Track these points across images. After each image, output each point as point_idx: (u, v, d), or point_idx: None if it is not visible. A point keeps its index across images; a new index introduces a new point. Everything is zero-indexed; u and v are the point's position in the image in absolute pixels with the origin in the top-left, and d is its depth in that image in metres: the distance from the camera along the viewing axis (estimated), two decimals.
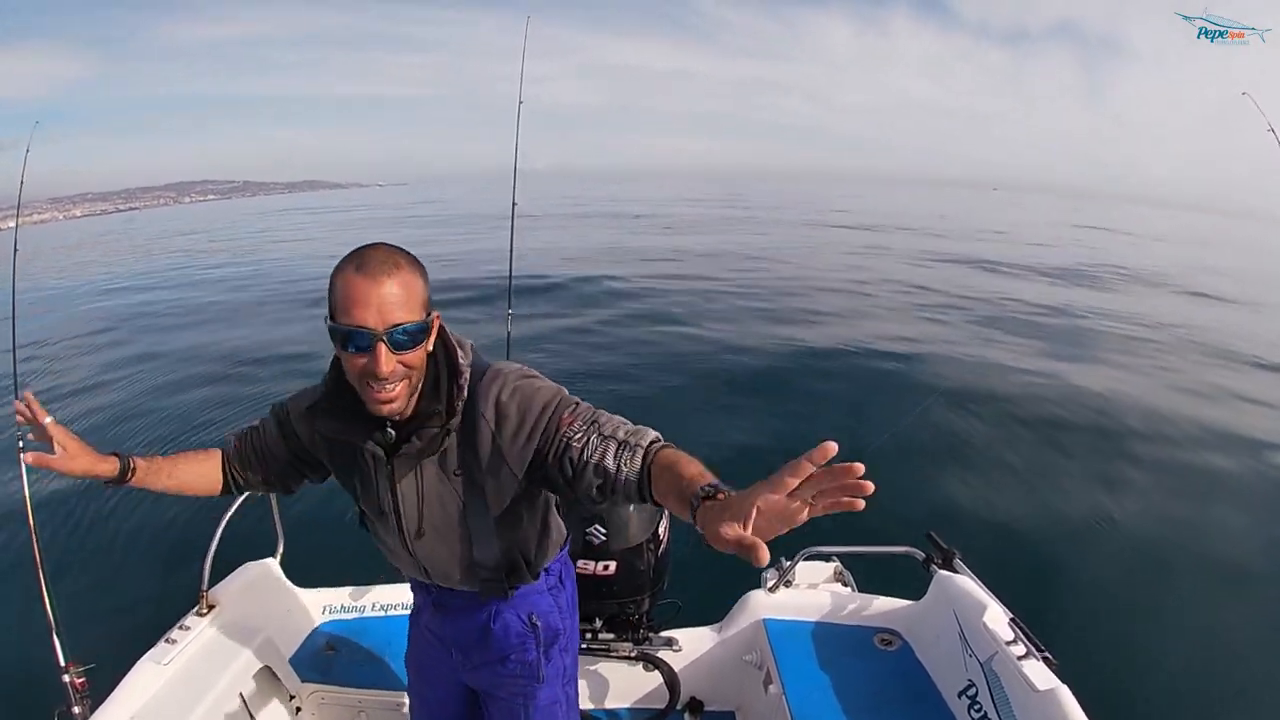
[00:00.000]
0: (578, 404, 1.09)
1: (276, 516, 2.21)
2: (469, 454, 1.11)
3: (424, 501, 1.16)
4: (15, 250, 2.93)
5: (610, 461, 1.00)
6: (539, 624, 1.31)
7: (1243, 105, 3.41)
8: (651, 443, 1.01)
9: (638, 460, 0.99)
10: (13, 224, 2.86)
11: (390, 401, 1.03)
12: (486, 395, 1.09)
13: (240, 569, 1.97)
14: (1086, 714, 1.43)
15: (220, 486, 1.29)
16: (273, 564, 2.09)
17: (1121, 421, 6.16)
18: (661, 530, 1.92)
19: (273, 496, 2.15)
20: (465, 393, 1.09)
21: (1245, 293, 14.72)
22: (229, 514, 1.91)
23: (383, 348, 0.96)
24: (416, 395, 1.08)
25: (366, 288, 0.95)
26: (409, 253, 1.03)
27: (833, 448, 0.67)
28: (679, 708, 2.07)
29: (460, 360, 1.10)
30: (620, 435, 1.02)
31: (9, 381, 2.37)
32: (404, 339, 0.98)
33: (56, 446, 1.10)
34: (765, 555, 0.69)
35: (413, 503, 1.16)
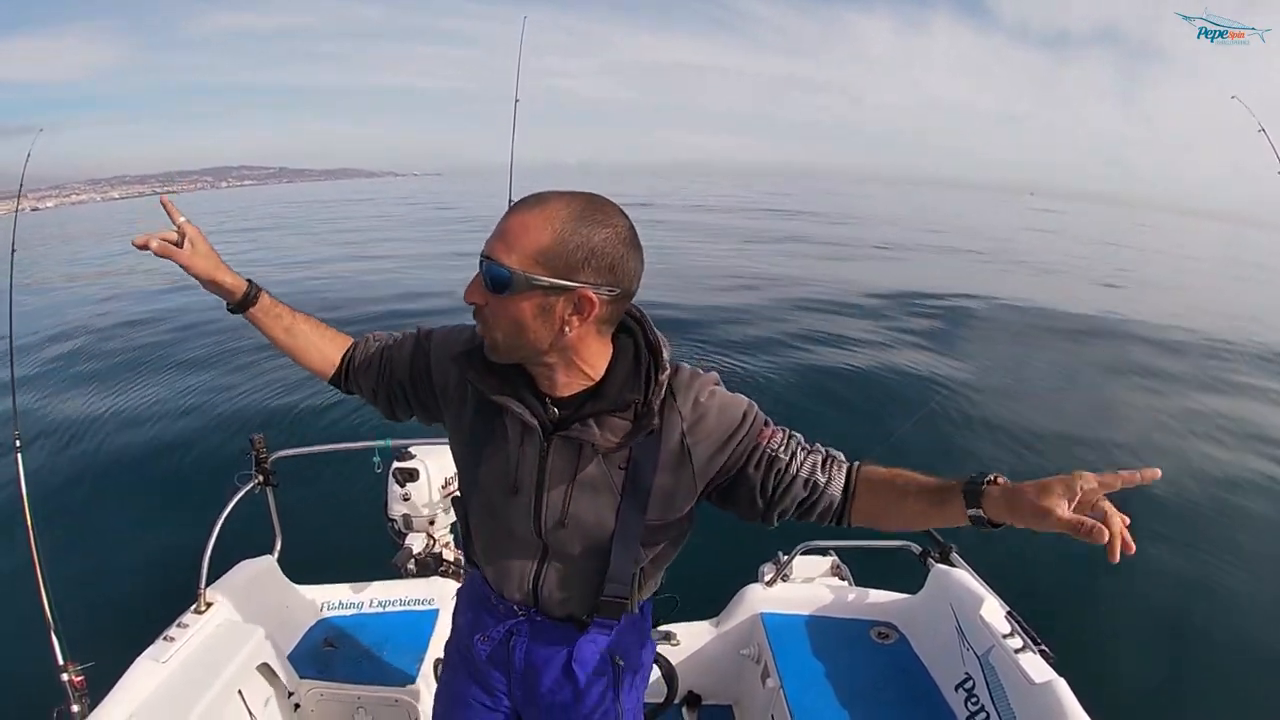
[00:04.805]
0: (769, 419, 1.04)
1: (274, 513, 2.21)
2: (647, 451, 0.99)
3: (575, 487, 1.01)
4: (13, 251, 2.95)
5: (820, 475, 0.99)
6: (622, 663, 1.16)
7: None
8: (850, 459, 1.02)
9: (841, 474, 0.99)
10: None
11: (483, 337, 0.96)
12: (685, 393, 1.00)
13: (238, 566, 1.97)
14: (1083, 706, 1.44)
15: (332, 372, 1.19)
16: (270, 561, 2.09)
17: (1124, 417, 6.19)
18: None
19: (270, 494, 2.15)
20: (664, 390, 0.98)
21: None
22: (225, 511, 1.91)
23: (477, 275, 0.90)
24: (605, 374, 0.99)
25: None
26: (594, 204, 0.89)
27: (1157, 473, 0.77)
28: (677, 702, 2.07)
29: (665, 356, 1.00)
30: (820, 450, 1.02)
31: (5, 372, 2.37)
32: (487, 278, 0.89)
33: (186, 243, 1.03)
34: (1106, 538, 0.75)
35: (562, 488, 1.01)
